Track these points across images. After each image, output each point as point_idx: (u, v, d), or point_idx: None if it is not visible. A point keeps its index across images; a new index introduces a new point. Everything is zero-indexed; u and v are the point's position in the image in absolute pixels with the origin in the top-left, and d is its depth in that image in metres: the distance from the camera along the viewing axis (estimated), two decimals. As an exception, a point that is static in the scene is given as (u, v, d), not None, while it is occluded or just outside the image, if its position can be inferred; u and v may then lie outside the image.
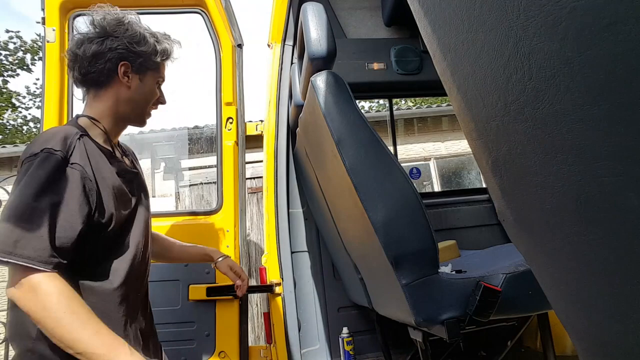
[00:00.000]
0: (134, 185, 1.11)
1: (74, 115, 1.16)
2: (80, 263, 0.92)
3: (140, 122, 1.16)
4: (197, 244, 1.43)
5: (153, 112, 1.18)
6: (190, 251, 1.43)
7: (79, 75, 1.08)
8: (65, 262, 0.85)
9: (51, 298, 0.81)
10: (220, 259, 1.39)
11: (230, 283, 1.68)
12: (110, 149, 1.08)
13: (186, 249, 1.42)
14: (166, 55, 1.13)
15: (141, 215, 1.10)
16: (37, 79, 11.33)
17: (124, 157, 1.14)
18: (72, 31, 1.82)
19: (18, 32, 11.11)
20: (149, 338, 1.10)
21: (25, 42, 10.88)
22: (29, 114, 11.38)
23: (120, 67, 1.06)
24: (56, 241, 0.84)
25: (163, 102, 1.18)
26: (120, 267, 1.00)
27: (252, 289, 1.81)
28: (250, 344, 1.75)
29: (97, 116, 1.07)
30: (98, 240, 0.96)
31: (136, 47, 1.07)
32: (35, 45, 10.73)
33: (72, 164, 0.91)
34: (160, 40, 1.12)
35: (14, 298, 0.83)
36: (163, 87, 1.19)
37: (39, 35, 10.89)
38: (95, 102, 1.08)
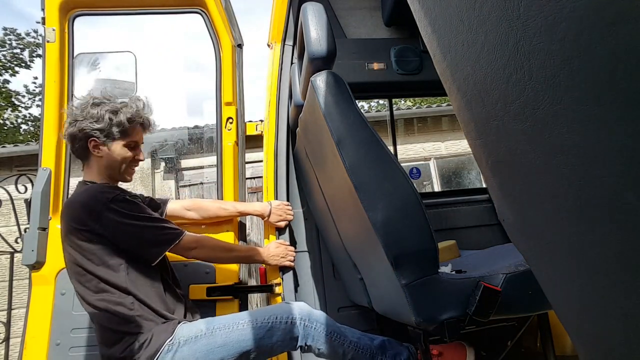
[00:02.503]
0: None
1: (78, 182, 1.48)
2: None
3: (123, 180, 1.46)
4: None
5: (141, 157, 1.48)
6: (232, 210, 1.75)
7: (72, 152, 1.47)
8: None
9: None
10: (267, 217, 1.75)
11: (230, 283, 1.69)
12: None
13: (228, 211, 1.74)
14: (123, 125, 1.38)
15: None
16: (36, 78, 11.33)
17: None
18: (72, 32, 1.82)
19: (15, 29, 11.09)
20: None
21: (22, 39, 10.88)
22: (29, 113, 11.38)
23: (89, 142, 1.38)
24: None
25: (139, 160, 1.47)
26: None
27: (252, 289, 1.81)
28: (250, 344, 1.75)
29: (92, 180, 1.40)
30: None
31: (96, 125, 1.35)
32: (33, 41, 10.72)
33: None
34: (118, 112, 1.36)
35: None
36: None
37: (36, 31, 10.89)
38: (88, 170, 1.43)
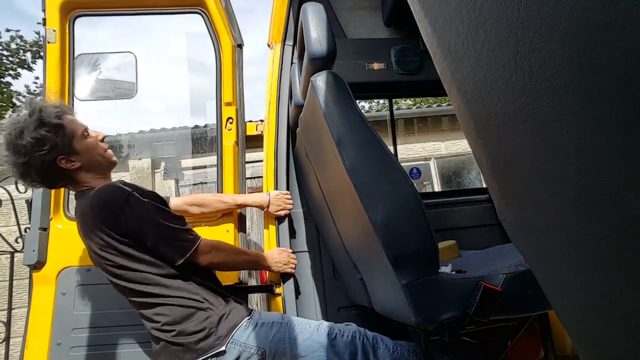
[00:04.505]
0: None
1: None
2: None
3: (112, 166, 1.40)
4: None
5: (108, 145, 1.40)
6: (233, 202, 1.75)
7: (48, 188, 1.49)
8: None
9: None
10: (266, 208, 1.76)
11: (231, 283, 1.69)
12: None
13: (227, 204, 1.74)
14: (59, 125, 1.27)
15: None
16: (37, 78, 11.32)
17: None
18: (73, 32, 1.82)
19: (18, 31, 11.07)
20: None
21: (26, 42, 10.85)
22: (29, 113, 11.34)
23: (60, 163, 1.28)
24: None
25: (98, 138, 1.36)
26: None
27: (252, 289, 1.81)
28: (250, 344, 1.75)
29: (86, 186, 1.33)
30: None
31: (45, 148, 1.24)
32: (36, 44, 10.71)
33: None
34: (43, 122, 1.26)
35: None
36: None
37: (38, 33, 10.87)
38: (77, 185, 1.34)
